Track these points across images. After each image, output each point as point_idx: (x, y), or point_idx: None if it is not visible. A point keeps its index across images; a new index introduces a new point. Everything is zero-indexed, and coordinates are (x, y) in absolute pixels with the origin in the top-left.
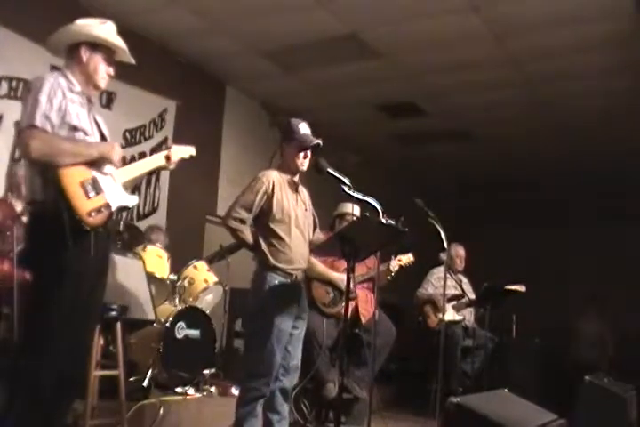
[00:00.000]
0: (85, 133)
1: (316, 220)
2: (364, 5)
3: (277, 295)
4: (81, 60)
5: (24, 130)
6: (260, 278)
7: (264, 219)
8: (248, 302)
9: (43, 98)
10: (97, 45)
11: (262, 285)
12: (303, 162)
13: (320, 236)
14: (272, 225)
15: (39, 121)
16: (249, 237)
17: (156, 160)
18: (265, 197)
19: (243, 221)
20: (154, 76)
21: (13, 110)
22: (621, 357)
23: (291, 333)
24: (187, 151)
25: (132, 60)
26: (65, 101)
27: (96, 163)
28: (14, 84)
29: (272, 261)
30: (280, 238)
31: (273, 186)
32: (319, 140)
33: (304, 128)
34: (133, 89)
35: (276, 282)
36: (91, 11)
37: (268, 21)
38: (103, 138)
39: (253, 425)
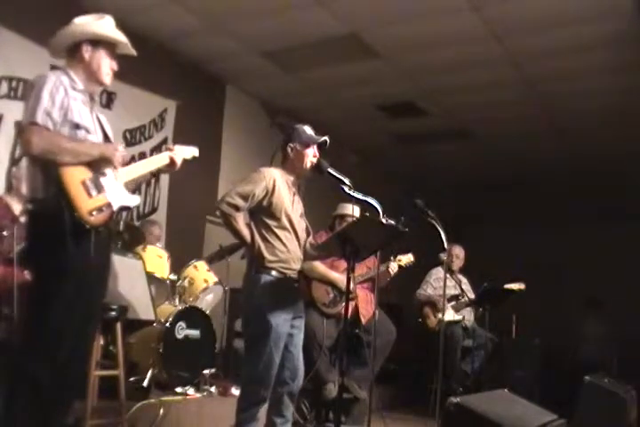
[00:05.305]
0: (88, 132)
1: (309, 228)
2: (364, 5)
3: (272, 296)
4: (83, 59)
5: (25, 126)
6: (253, 279)
7: (261, 215)
8: (241, 305)
9: (45, 95)
10: (98, 42)
11: (255, 285)
12: (312, 160)
13: (312, 243)
14: (269, 222)
15: (40, 118)
16: (241, 227)
17: (159, 160)
18: (265, 192)
19: (237, 208)
20: (154, 76)
21: (13, 110)
22: (623, 358)
23: (290, 333)
24: (190, 152)
25: (134, 52)
26: (67, 99)
27: (97, 163)
28: (14, 84)
29: (267, 257)
30: (277, 236)
31: (274, 183)
32: (326, 138)
33: (309, 130)
34: (133, 89)
35: (269, 280)
36: (90, 11)
37: (268, 21)
38: (106, 136)
39: None
